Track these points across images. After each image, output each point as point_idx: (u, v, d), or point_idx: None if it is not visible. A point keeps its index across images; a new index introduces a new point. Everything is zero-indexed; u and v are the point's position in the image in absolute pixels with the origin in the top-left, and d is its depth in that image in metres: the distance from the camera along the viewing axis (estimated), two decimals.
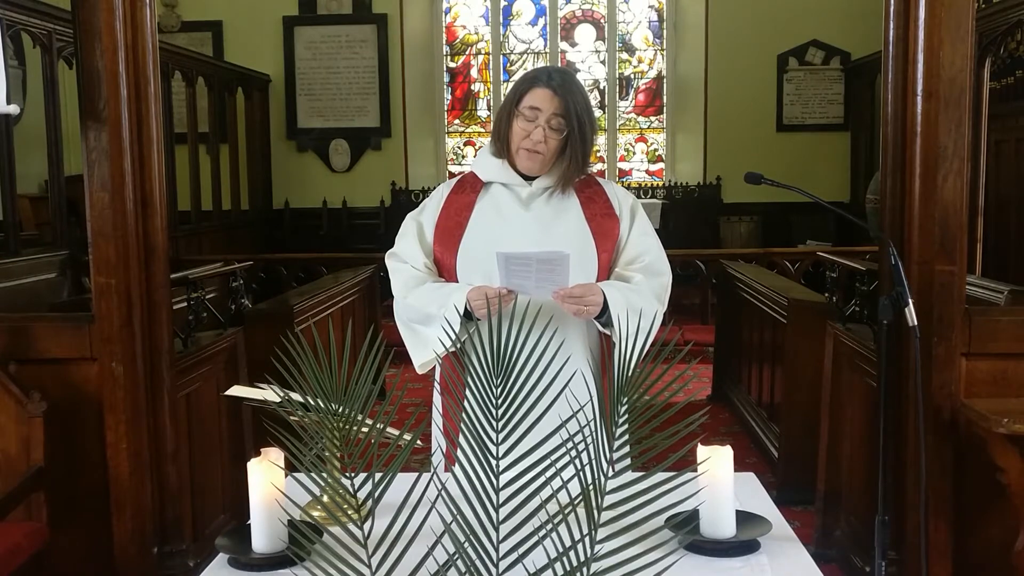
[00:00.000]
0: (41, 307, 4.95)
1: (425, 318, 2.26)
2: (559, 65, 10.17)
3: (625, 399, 1.09)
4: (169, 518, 3.07)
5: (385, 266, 2.41)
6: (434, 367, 2.32)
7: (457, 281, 2.29)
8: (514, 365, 1.11)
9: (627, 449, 1.12)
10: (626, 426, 1.10)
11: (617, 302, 2.17)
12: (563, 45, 10.75)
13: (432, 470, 1.23)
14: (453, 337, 2.07)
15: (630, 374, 1.10)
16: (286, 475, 1.72)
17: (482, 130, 10.80)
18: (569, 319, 2.19)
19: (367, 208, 10.25)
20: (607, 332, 2.25)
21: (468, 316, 2.18)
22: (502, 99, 2.34)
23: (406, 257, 2.35)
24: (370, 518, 1.12)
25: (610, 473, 1.08)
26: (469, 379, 1.12)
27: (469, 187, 2.37)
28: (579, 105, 2.24)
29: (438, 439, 2.29)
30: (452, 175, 10.14)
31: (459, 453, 1.13)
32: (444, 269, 2.33)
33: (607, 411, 1.09)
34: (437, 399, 2.31)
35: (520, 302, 2.07)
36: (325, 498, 1.17)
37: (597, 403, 1.12)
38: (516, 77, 2.67)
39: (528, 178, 2.32)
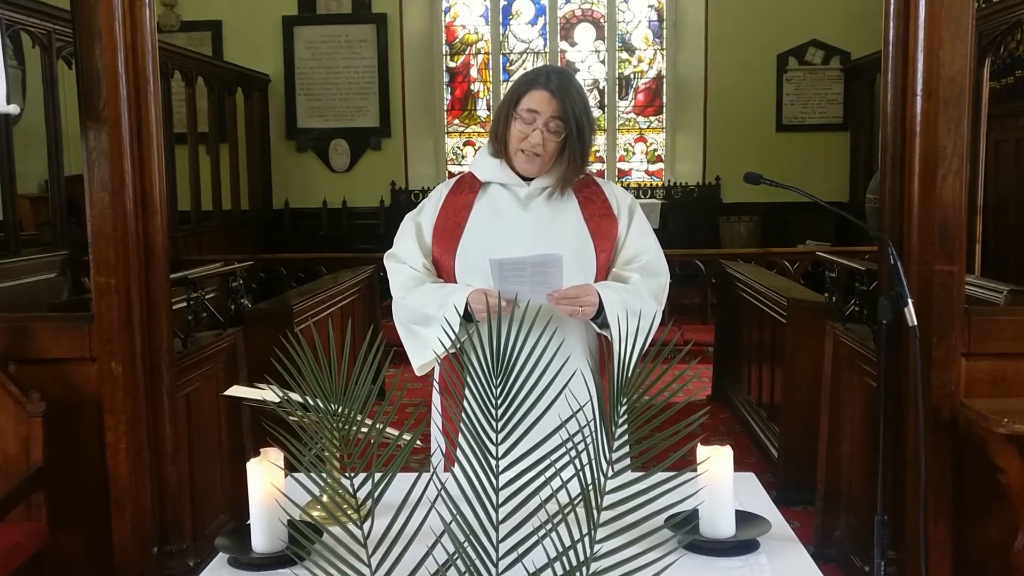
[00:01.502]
0: (41, 307, 4.94)
1: (424, 319, 2.25)
2: (558, 65, 10.16)
3: (625, 399, 1.09)
4: (169, 518, 3.07)
5: (384, 266, 2.41)
6: (433, 367, 2.32)
7: (455, 282, 2.28)
8: (514, 365, 1.11)
9: (627, 449, 1.11)
10: (626, 426, 1.10)
11: (613, 303, 2.16)
12: (563, 45, 10.75)
13: (432, 470, 1.23)
14: (452, 338, 2.06)
15: (630, 374, 1.10)
16: (286, 475, 1.72)
17: (482, 130, 10.80)
18: (568, 319, 2.18)
19: (367, 208, 10.26)
20: (604, 334, 2.24)
21: (467, 317, 2.17)
22: (502, 99, 2.32)
23: (405, 258, 2.34)
24: (370, 518, 1.12)
25: (610, 473, 1.08)
26: (468, 379, 1.12)
27: (467, 187, 2.36)
28: (577, 107, 2.23)
29: (437, 439, 2.28)
30: (452, 175, 10.13)
31: (458, 453, 1.13)
32: (443, 270, 2.33)
33: (607, 411, 1.09)
34: (436, 399, 2.31)
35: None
36: (325, 498, 1.17)
37: (597, 403, 1.12)
38: (515, 77, 2.66)
39: (527, 178, 2.31)
